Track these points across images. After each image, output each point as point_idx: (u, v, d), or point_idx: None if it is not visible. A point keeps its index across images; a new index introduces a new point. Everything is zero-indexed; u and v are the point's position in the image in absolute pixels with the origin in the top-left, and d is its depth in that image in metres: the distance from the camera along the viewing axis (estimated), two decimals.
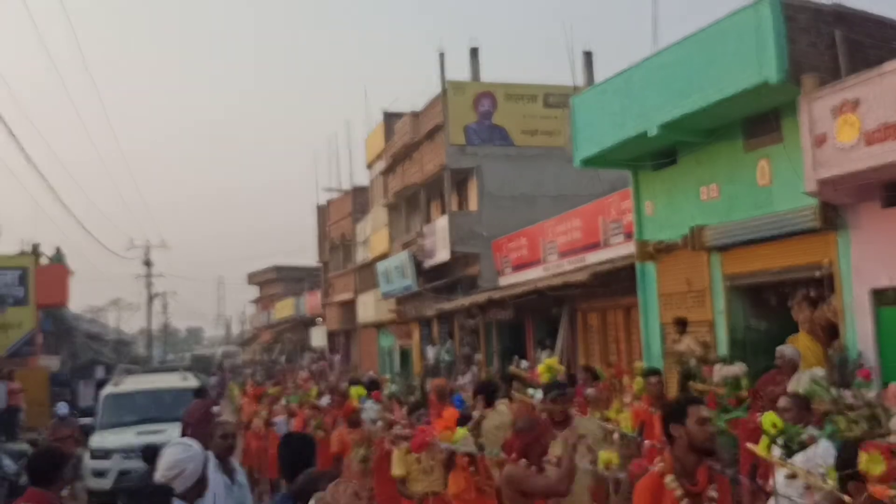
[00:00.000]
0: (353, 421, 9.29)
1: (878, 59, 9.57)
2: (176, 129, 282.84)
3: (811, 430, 5.59)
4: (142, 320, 65.91)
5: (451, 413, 6.72)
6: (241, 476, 6.33)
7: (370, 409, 10.50)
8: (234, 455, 6.49)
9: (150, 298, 57.00)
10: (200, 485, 4.59)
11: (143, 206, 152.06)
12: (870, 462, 3.01)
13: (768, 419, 4.78)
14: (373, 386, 11.95)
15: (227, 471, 6.24)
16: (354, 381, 14.57)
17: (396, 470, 7.50)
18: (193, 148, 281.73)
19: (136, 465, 13.43)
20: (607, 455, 5.76)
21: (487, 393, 8.53)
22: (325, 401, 12.67)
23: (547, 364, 9.82)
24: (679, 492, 4.08)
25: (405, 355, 30.84)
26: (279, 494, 4.84)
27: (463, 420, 6.70)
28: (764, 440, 4.69)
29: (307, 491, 3.54)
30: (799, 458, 5.12)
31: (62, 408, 17.46)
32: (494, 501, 6.27)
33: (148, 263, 54.92)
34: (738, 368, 9.37)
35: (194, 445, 4.67)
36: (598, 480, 5.91)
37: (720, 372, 9.73)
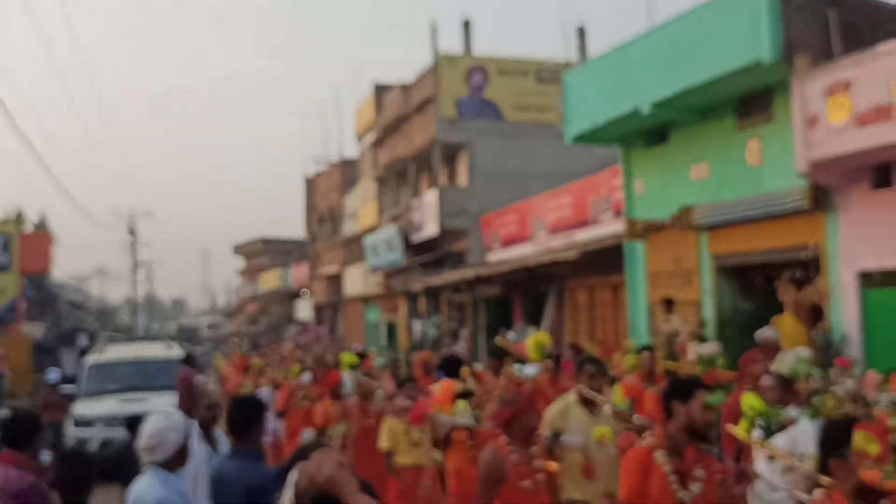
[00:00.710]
0: (337, 393, 9.25)
1: (872, 41, 9.55)
2: (163, 97, 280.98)
3: (793, 411, 5.59)
4: (126, 289, 65.75)
5: (448, 386, 6.69)
6: (224, 447, 6.30)
7: (348, 382, 10.51)
8: (217, 425, 6.45)
9: (135, 267, 56.71)
10: (182, 454, 4.58)
11: (128, 174, 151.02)
12: (866, 441, 2.99)
13: (748, 401, 4.78)
14: (362, 356, 11.87)
15: (210, 441, 6.22)
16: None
17: (384, 442, 7.46)
18: (180, 116, 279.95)
19: (119, 433, 13.41)
20: (601, 429, 5.73)
21: (450, 367, 8.78)
22: (306, 377, 12.61)
23: (536, 338, 9.80)
24: (668, 467, 4.09)
25: (392, 329, 30.84)
26: (232, 449, 4.94)
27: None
28: (743, 422, 4.69)
29: (295, 462, 3.53)
30: (780, 439, 5.12)
31: (53, 374, 17.39)
32: None
33: (133, 232, 54.56)
34: (712, 347, 9.41)
35: (176, 415, 4.67)
36: (588, 456, 5.87)
37: (695, 350, 9.76)
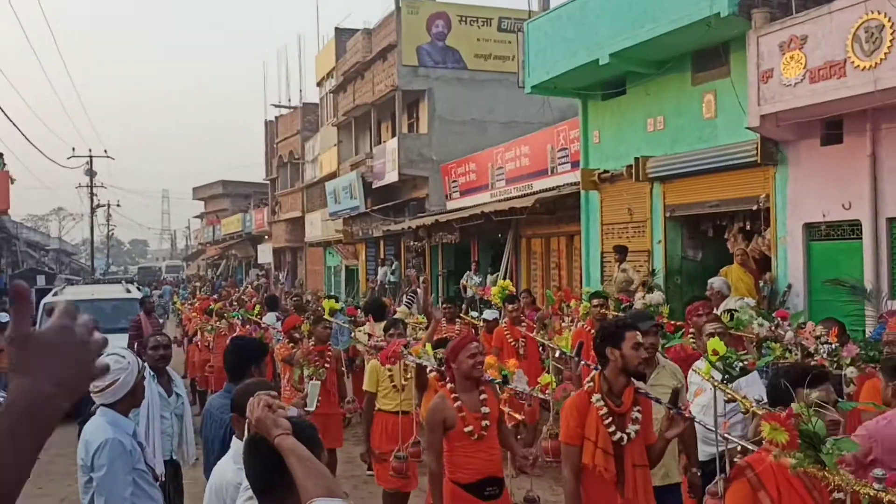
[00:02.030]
0: (294, 337, 9.34)
1: None
2: (121, 35, 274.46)
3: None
4: (85, 231, 64.83)
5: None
6: (179, 388, 6.31)
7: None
8: (169, 366, 6.45)
9: (93, 209, 55.89)
10: (134, 396, 4.54)
11: (85, 115, 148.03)
12: (774, 432, 3.08)
13: (712, 344, 4.92)
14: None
15: (164, 383, 6.23)
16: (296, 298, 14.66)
17: (366, 384, 7.53)
18: (139, 58, 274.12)
19: None
20: (546, 378, 5.86)
21: (375, 311, 9.35)
22: (268, 318, 12.67)
23: (501, 285, 10.01)
24: (605, 410, 4.25)
25: (351, 274, 30.94)
26: (226, 387, 4.98)
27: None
28: (707, 364, 4.83)
29: (241, 402, 3.59)
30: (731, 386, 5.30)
31: (3, 318, 17.26)
32: None
33: (90, 173, 53.60)
34: (658, 297, 9.67)
35: (129, 356, 4.59)
36: (534, 402, 5.99)
37: (642, 300, 10.01)
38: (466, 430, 4.95)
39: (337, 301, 11.66)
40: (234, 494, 3.19)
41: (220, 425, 4.60)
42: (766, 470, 3.20)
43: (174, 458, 5.85)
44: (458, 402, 5.01)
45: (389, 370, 7.32)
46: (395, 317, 9.14)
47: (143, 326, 13.48)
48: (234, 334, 12.85)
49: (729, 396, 4.81)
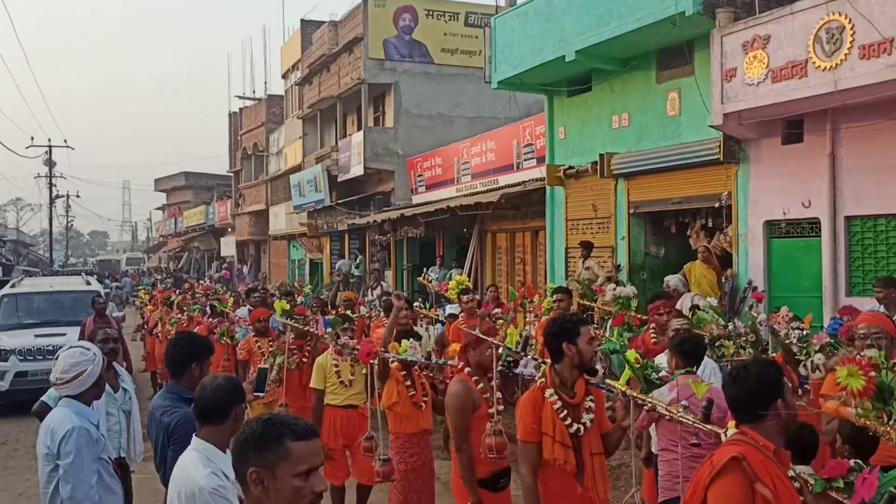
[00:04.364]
0: (260, 329, 9.30)
1: None
2: (84, 26, 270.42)
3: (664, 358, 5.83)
4: (43, 222, 63.84)
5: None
6: (126, 383, 6.11)
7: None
8: (115, 360, 6.29)
9: (52, 200, 54.99)
10: (98, 386, 4.59)
11: (45, 104, 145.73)
12: (850, 378, 2.97)
13: (632, 354, 4.90)
14: (286, 295, 11.90)
15: (110, 378, 6.03)
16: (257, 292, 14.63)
17: (313, 381, 7.47)
18: (102, 48, 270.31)
19: (34, 366, 13.27)
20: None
21: (386, 308, 9.37)
22: (241, 312, 12.59)
23: (457, 279, 10.03)
24: (559, 404, 4.28)
25: (315, 268, 30.83)
26: (165, 387, 4.79)
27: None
28: (625, 374, 4.79)
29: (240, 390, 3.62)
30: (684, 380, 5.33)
31: None
32: (429, 416, 6.35)
33: (49, 163, 52.68)
34: (629, 290, 9.77)
35: (92, 348, 4.63)
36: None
37: (613, 291, 10.12)
38: (490, 411, 5.05)
39: (286, 295, 11.62)
40: (208, 500, 3.14)
41: (159, 427, 4.41)
42: (756, 461, 3.05)
43: (122, 455, 5.71)
44: (481, 385, 5.19)
45: (336, 365, 7.35)
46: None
47: (87, 329, 13.21)
48: (197, 327, 12.85)
49: (651, 406, 4.75)
